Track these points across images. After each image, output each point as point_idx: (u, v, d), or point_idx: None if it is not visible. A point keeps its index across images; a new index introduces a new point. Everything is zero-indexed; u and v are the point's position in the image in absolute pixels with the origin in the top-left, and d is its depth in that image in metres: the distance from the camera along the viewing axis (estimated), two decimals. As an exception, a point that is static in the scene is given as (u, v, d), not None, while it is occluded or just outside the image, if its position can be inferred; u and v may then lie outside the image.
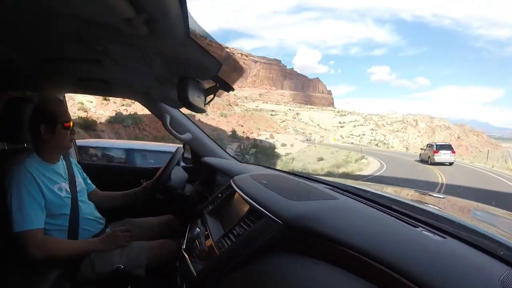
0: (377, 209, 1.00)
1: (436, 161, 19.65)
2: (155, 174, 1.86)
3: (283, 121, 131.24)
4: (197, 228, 1.32)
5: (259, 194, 1.18)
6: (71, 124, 1.58)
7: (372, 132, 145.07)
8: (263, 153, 36.73)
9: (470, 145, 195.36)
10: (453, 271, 0.66)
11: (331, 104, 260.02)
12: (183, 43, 0.85)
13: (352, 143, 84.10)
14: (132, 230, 1.65)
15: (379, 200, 1.12)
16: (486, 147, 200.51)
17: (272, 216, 0.95)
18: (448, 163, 19.99)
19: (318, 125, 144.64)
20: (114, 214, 1.87)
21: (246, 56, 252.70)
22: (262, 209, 1.02)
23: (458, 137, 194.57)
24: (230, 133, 55.09)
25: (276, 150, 47.17)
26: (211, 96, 1.43)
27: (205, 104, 1.40)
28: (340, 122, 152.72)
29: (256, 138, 62.49)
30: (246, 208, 1.17)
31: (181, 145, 2.13)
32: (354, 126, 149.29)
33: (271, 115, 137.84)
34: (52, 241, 1.45)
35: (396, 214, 0.96)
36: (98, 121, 30.15)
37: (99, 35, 0.92)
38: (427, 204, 1.46)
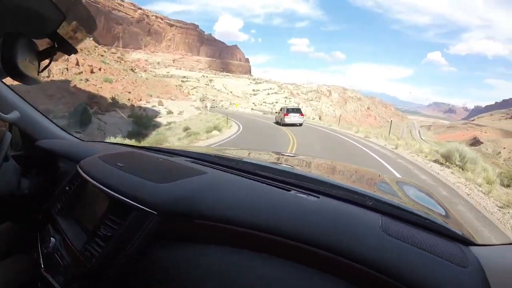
0: (248, 178, 0.97)
1: (286, 122, 21.24)
2: None
3: (194, 87, 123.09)
4: (51, 238, 1.06)
5: (119, 180, 0.99)
6: None
7: (285, 100, 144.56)
8: (137, 123, 32.87)
9: (379, 115, 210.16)
10: (338, 227, 0.70)
11: (248, 72, 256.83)
12: None
13: (252, 109, 79.65)
14: None
15: (247, 168, 1.08)
16: (393, 118, 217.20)
17: (143, 207, 0.83)
18: (298, 124, 21.62)
19: (231, 92, 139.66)
20: None
21: (162, 19, 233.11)
22: (129, 200, 0.87)
23: (368, 108, 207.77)
24: (110, 101, 45.91)
25: (159, 119, 40.27)
26: (47, 60, 1.04)
27: (38, 72, 1.03)
28: (254, 90, 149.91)
29: (142, 106, 53.75)
30: (106, 200, 0.97)
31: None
32: (268, 94, 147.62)
33: (182, 81, 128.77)
34: None
35: (267, 180, 0.94)
36: None
37: None
38: (289, 165, 1.46)
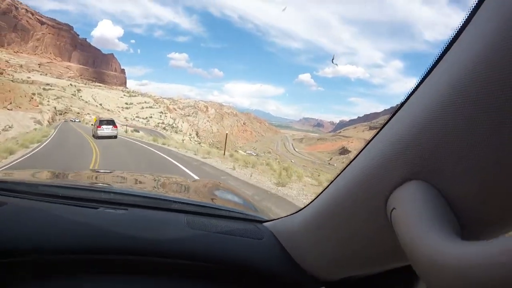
0: (53, 202, 0.93)
1: (99, 135, 20.23)
2: None
3: (57, 97, 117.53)
4: None
5: None
6: None
7: (161, 115, 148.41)
8: None
9: (254, 130, 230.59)
10: (147, 232, 0.79)
11: (124, 83, 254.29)
12: None
13: (124, 125, 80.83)
14: None
15: (50, 191, 1.04)
16: (268, 132, 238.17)
17: None
18: (114, 136, 20.95)
19: (101, 104, 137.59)
20: None
21: (32, 14, 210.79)
22: None
23: (244, 123, 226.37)
24: None
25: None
26: None
27: None
28: (127, 103, 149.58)
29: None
30: None
31: None
32: (142, 108, 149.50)
33: (44, 89, 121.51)
34: None
35: (73, 202, 0.94)
36: None
37: None
38: (101, 183, 1.52)
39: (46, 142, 16.91)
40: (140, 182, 1.64)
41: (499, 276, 0.25)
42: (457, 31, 0.35)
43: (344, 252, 0.60)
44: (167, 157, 11.96)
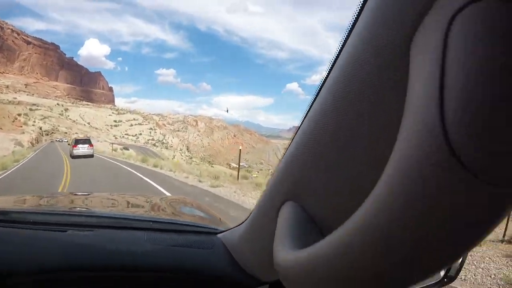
0: (25, 228, 0.96)
1: (75, 154, 20.27)
2: None
3: (44, 117, 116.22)
4: None
5: None
6: None
7: (150, 132, 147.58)
8: None
9: (245, 142, 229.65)
10: (112, 251, 0.86)
11: (112, 101, 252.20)
12: None
13: (112, 143, 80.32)
14: None
15: (23, 218, 1.07)
16: (259, 143, 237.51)
17: None
18: (90, 156, 20.97)
19: (89, 123, 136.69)
20: None
21: (18, 34, 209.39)
22: None
23: (234, 136, 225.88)
24: None
25: None
26: None
27: None
28: (115, 121, 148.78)
29: None
30: None
31: None
32: (131, 125, 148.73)
33: (31, 109, 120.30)
34: None
35: (43, 226, 0.98)
36: None
37: None
38: (71, 206, 1.57)
39: (12, 169, 14.38)
40: (109, 203, 1.69)
41: (318, 272, 0.30)
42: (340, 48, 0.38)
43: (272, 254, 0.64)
44: (163, 190, 8.79)
